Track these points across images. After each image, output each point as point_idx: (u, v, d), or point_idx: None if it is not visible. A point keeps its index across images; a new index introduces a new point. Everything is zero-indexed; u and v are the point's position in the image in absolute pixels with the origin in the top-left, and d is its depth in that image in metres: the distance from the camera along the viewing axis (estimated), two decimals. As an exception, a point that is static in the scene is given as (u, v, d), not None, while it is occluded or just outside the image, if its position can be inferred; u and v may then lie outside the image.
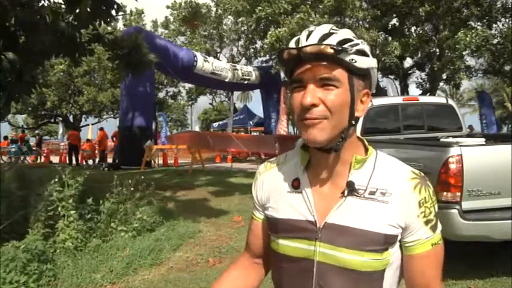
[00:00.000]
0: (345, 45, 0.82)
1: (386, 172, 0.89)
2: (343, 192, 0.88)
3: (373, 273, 0.85)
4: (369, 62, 0.85)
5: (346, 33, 0.85)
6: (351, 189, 0.87)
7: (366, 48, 0.85)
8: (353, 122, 0.86)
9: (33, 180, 5.97)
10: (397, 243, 0.88)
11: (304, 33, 0.86)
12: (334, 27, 0.86)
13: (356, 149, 0.91)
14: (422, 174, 0.91)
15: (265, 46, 12.93)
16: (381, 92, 13.86)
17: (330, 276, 0.86)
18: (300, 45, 0.83)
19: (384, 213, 0.85)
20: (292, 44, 0.86)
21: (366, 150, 0.93)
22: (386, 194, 0.87)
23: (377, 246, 0.84)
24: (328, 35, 0.83)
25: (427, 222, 0.87)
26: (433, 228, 0.88)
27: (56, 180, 4.44)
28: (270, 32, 12.71)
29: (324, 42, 0.82)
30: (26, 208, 4.11)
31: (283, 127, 15.70)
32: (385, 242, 0.85)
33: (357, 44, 0.83)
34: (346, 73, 0.83)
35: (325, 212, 0.88)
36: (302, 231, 0.89)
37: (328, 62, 0.81)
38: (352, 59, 0.82)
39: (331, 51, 0.80)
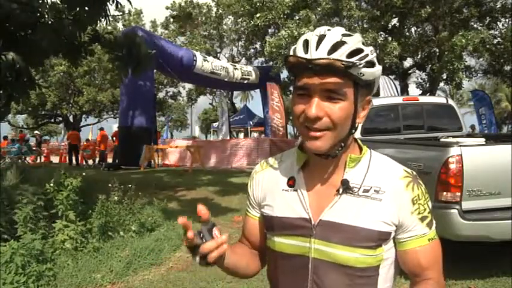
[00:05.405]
0: (355, 59, 0.81)
1: (380, 170, 0.91)
2: (338, 190, 0.89)
3: (367, 269, 0.87)
4: (375, 73, 0.86)
5: (356, 41, 0.84)
6: (346, 187, 0.89)
7: (374, 58, 0.85)
8: (353, 131, 0.88)
9: (31, 180, 5.96)
10: (391, 240, 0.90)
11: (314, 38, 0.83)
12: (345, 32, 0.85)
13: (351, 148, 0.93)
14: (415, 173, 0.93)
15: (265, 52, 12.96)
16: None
17: (325, 273, 0.88)
18: (309, 52, 0.82)
19: (377, 211, 0.87)
20: (300, 47, 0.84)
21: (360, 149, 0.95)
22: (379, 191, 0.88)
23: (370, 242, 0.86)
24: (339, 44, 0.82)
25: (422, 219, 0.89)
26: (429, 225, 0.91)
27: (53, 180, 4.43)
28: (268, 40, 12.70)
29: (335, 54, 0.80)
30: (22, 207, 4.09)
31: (276, 126, 15.39)
32: (378, 239, 0.87)
33: (366, 56, 0.83)
34: (352, 86, 0.83)
35: (320, 209, 0.90)
36: (297, 229, 0.91)
37: (337, 76, 0.81)
38: (361, 73, 0.82)
39: (342, 66, 0.80)
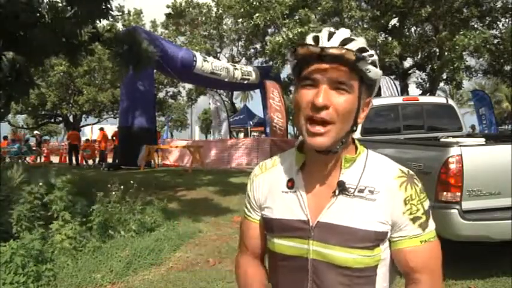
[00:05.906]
0: (365, 54, 0.84)
1: (376, 170, 0.92)
2: (334, 192, 0.90)
3: (365, 269, 0.88)
4: (378, 73, 0.88)
5: (363, 42, 0.87)
6: (342, 188, 0.89)
7: (377, 60, 0.88)
8: (354, 128, 0.89)
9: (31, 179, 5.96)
10: (388, 240, 0.90)
11: (325, 32, 0.87)
12: (351, 34, 0.89)
13: (348, 148, 0.93)
14: (411, 172, 0.93)
15: (267, 51, 12.97)
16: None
17: (325, 273, 0.88)
18: (320, 44, 0.84)
19: (372, 211, 0.88)
20: (310, 41, 0.87)
21: (356, 149, 0.95)
22: (374, 192, 0.89)
23: (367, 243, 0.86)
24: (349, 40, 0.85)
25: (414, 220, 0.89)
26: (423, 226, 0.90)
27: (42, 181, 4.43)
28: (270, 39, 12.71)
29: (346, 47, 0.83)
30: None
31: (278, 126, 15.27)
32: (375, 239, 0.87)
33: (373, 55, 0.86)
34: (358, 81, 0.85)
35: (317, 211, 0.90)
36: (296, 230, 0.91)
37: (347, 67, 0.83)
38: (368, 69, 0.85)
39: (353, 57, 0.82)
